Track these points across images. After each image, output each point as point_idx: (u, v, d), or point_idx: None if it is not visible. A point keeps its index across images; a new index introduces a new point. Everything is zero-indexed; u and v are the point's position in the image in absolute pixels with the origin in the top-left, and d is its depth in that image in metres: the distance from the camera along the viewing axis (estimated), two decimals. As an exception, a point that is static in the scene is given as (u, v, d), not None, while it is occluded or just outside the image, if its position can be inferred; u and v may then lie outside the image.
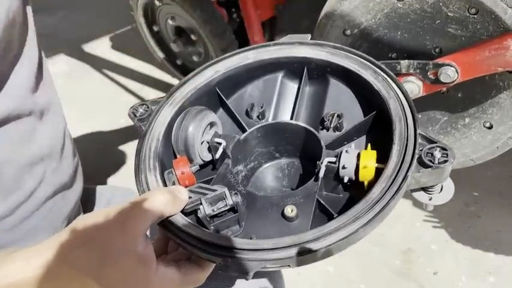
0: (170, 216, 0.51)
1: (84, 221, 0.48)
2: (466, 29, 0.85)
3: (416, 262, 1.40)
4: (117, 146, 1.91)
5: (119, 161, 1.82)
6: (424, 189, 0.53)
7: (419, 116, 1.01)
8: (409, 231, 1.48)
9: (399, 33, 0.92)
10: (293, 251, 0.46)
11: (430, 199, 0.54)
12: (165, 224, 0.51)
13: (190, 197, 0.53)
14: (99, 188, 0.92)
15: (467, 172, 1.09)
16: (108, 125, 2.05)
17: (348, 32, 0.96)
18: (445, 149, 0.51)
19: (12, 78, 0.58)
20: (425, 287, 1.34)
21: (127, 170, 1.77)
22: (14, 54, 0.59)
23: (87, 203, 0.85)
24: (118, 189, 0.96)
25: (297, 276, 1.40)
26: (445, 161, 0.50)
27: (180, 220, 0.51)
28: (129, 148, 1.86)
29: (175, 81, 2.14)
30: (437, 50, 0.90)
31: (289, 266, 0.47)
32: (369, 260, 1.43)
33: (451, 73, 0.85)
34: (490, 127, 0.94)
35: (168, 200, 0.50)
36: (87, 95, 2.21)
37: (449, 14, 0.84)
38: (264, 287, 0.77)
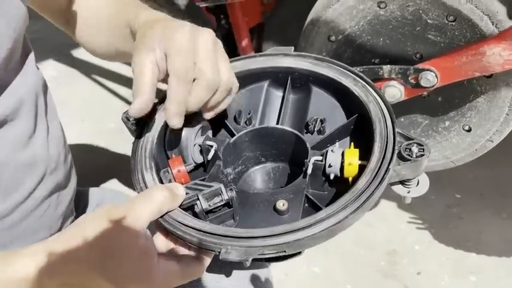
0: (168, 212, 0.54)
1: (88, 219, 0.50)
2: (444, 36, 0.89)
3: (401, 262, 1.44)
4: (106, 151, 1.91)
5: (108, 165, 1.82)
6: (403, 183, 0.58)
7: (402, 119, 1.05)
8: (393, 232, 1.51)
9: (381, 39, 0.95)
10: (288, 237, 0.50)
11: (408, 192, 0.58)
12: (164, 219, 0.54)
13: (187, 193, 0.56)
14: (90, 190, 0.94)
15: (449, 175, 1.12)
16: (97, 130, 2.05)
17: (333, 38, 0.99)
18: (421, 145, 0.56)
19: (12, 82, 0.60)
20: (409, 286, 1.38)
21: (116, 174, 1.78)
22: (16, 61, 0.61)
23: (78, 204, 0.86)
24: (108, 191, 0.98)
25: (284, 277, 1.43)
26: (422, 155, 0.55)
27: (180, 214, 0.54)
28: (118, 153, 1.87)
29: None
30: (418, 55, 0.94)
31: (284, 252, 0.51)
32: (354, 261, 1.46)
33: (430, 78, 0.89)
34: (469, 130, 0.98)
35: (166, 196, 0.53)
36: (75, 100, 2.21)
37: (428, 21, 0.88)
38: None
